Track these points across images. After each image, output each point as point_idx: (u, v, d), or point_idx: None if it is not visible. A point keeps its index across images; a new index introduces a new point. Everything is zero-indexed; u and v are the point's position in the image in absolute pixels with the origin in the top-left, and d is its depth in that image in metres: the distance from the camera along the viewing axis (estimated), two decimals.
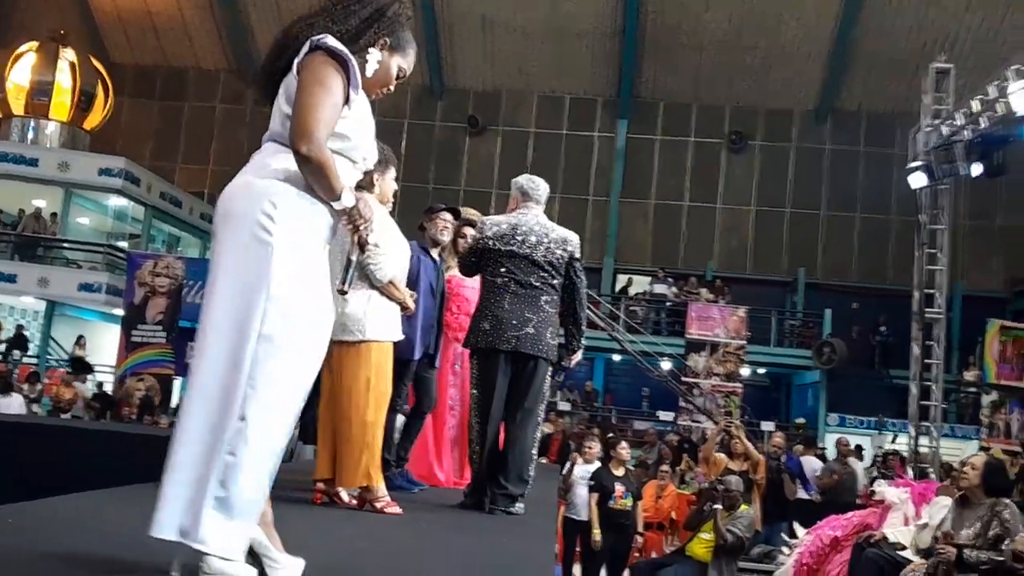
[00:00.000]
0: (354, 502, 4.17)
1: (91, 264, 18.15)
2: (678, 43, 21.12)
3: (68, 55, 17.65)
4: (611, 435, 10.17)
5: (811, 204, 21.82)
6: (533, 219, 4.66)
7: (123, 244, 19.42)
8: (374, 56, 2.49)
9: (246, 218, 2.22)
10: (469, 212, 5.79)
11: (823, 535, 5.56)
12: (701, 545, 7.02)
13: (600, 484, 8.22)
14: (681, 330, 17.38)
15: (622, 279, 21.79)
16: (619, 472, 8.36)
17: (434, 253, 5.32)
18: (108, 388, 15.65)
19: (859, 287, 20.80)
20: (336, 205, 2.31)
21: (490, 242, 4.59)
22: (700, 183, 22.16)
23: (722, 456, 8.41)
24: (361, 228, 2.41)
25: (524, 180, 4.80)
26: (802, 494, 9.61)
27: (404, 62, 2.61)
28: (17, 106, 17.69)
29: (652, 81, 21.96)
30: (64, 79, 17.82)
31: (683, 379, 16.44)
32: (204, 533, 2.12)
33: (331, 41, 2.34)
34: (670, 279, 19.93)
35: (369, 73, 2.48)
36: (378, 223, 4.22)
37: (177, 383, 16.33)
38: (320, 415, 4.33)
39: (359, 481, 4.11)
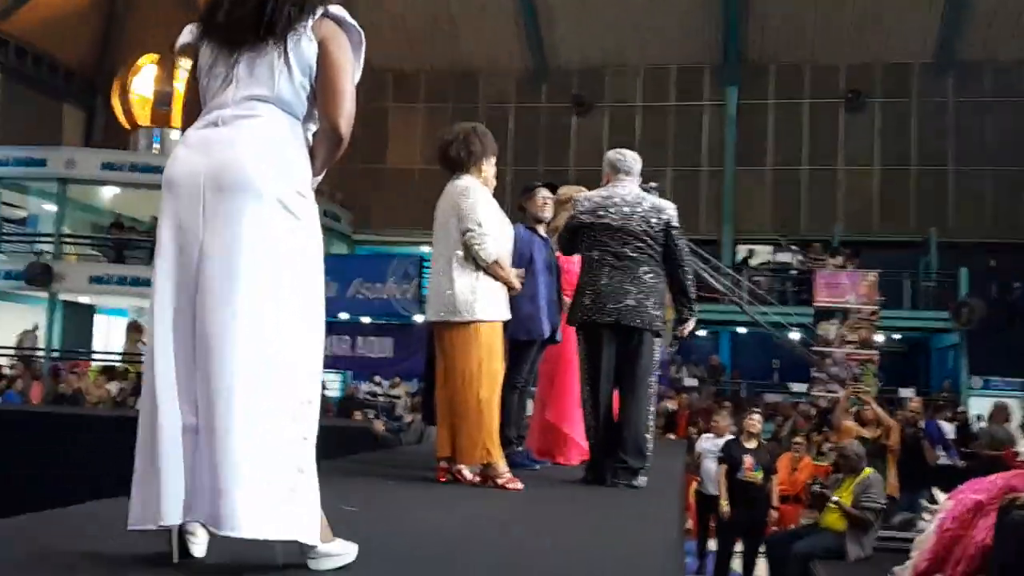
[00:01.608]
0: (477, 479, 4.22)
1: None
2: (783, 2, 20.42)
3: (185, 64, 18.29)
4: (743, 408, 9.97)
5: (938, 160, 20.79)
6: (625, 190, 4.63)
7: None
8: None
9: (278, 192, 2.12)
10: (570, 189, 5.76)
11: (966, 499, 5.30)
12: (835, 515, 6.81)
13: (729, 456, 8.10)
14: (808, 299, 16.85)
15: (742, 250, 21.29)
16: (751, 444, 8.21)
17: (540, 230, 5.33)
18: None
19: (996, 243, 19.71)
20: (316, 180, 2.28)
21: (583, 217, 4.59)
22: (818, 145, 21.41)
23: (852, 424, 8.16)
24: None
25: (612, 154, 4.80)
26: (944, 460, 9.22)
27: None
28: (143, 117, 18.52)
29: (760, 44, 21.31)
30: (183, 88, 18.54)
31: (814, 348, 15.96)
32: (294, 522, 2.04)
33: (339, 10, 2.29)
34: (793, 247, 19.37)
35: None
36: (483, 205, 4.29)
37: None
38: (437, 395, 4.40)
39: (478, 458, 4.17)
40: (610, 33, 21.50)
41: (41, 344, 17.56)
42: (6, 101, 21.16)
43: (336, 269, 16.86)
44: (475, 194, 4.28)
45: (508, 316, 4.37)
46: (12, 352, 16.56)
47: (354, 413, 11.70)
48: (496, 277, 4.22)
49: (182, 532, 2.09)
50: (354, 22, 2.30)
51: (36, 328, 17.59)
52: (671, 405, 13.20)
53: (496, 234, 4.28)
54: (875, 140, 21.26)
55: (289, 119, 2.22)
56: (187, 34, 2.33)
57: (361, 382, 16.59)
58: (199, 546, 2.09)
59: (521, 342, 5.14)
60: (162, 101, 18.32)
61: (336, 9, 2.28)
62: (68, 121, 23.03)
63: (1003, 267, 19.07)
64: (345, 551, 2.21)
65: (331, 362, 16.75)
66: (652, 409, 4.63)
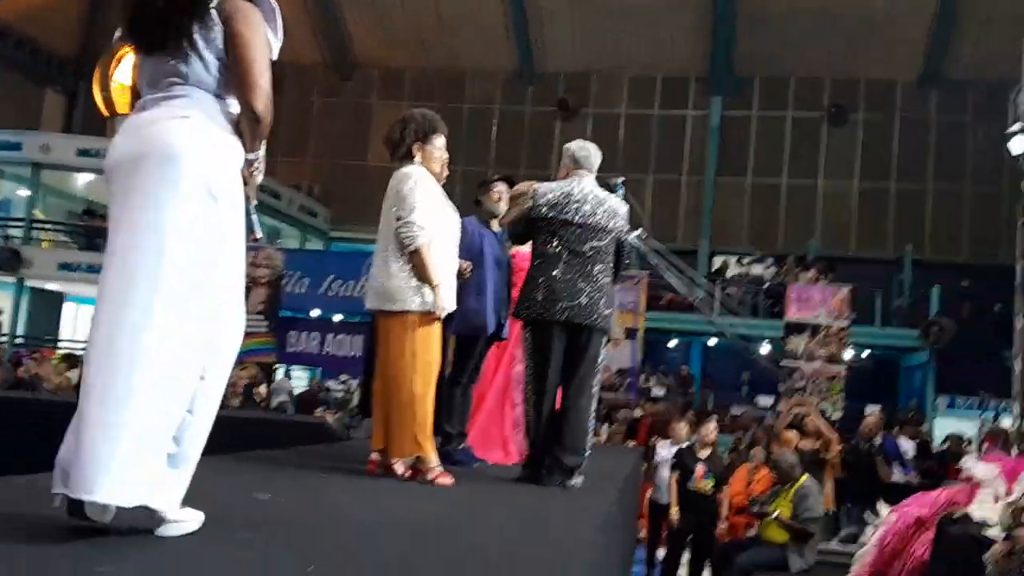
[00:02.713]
0: (407, 473, 4.15)
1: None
2: (771, 15, 20.47)
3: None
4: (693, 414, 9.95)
5: (917, 178, 20.90)
6: (587, 187, 4.57)
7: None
8: None
9: (198, 169, 2.15)
10: (525, 185, 5.69)
11: (907, 514, 5.29)
12: (775, 527, 6.79)
13: (681, 463, 8.06)
14: (780, 312, 16.88)
15: (718, 261, 21.34)
16: (704, 453, 8.17)
17: (494, 225, 5.27)
18: None
19: (970, 264, 19.83)
20: (251, 155, 2.31)
21: (543, 210, 4.51)
22: (799, 159, 21.50)
23: (792, 434, 8.16)
24: (257, 174, 2.38)
25: (575, 147, 4.71)
26: (898, 477, 9.21)
27: None
28: (121, 105, 18.35)
29: (747, 55, 21.37)
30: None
31: (783, 363, 15.97)
32: (158, 488, 2.08)
33: None
34: (768, 259, 19.39)
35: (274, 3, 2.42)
36: (421, 193, 4.21)
37: (280, 370, 16.80)
38: (374, 387, 4.34)
39: (409, 451, 4.10)
40: (599, 39, 21.56)
41: (6, 330, 17.40)
42: None
43: (310, 265, 16.77)
44: (413, 182, 4.19)
45: (452, 307, 4.28)
46: None
47: (315, 409, 11.60)
48: (414, 267, 4.10)
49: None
50: None
51: (1, 312, 17.42)
52: (636, 412, 13.17)
53: (435, 224, 4.20)
54: (856, 155, 21.35)
55: (209, 97, 2.26)
56: (118, 32, 2.42)
57: (328, 380, 16.48)
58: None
59: (466, 337, 5.08)
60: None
61: None
62: (49, 107, 22.87)
63: (977, 288, 19.15)
64: (191, 518, 2.23)
65: (300, 359, 16.66)
66: (594, 409, 4.58)
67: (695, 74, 21.88)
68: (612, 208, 4.57)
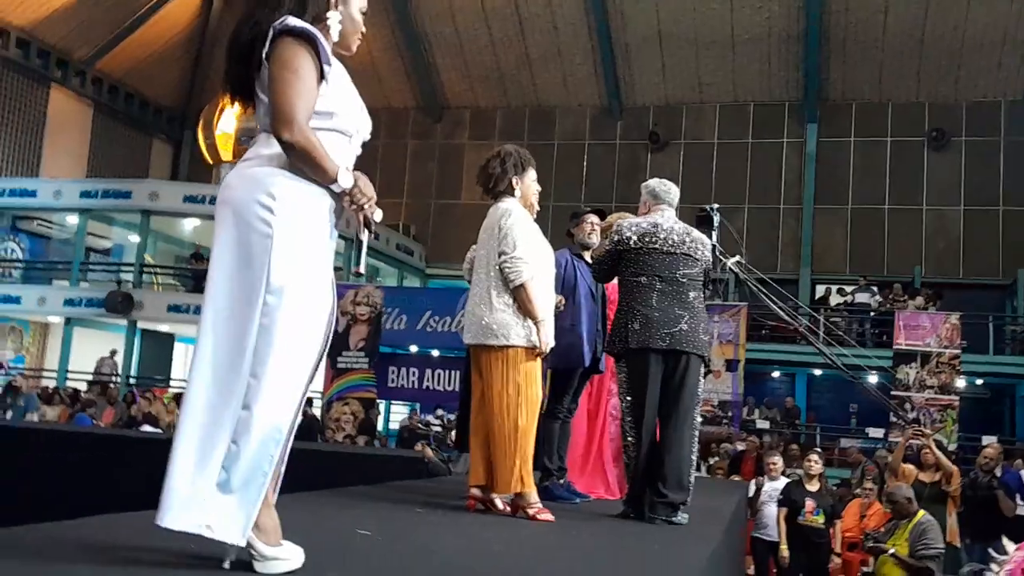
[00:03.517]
0: (507, 508, 4.11)
1: None
2: (864, 40, 20.06)
3: None
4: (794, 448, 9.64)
5: None
6: (671, 219, 4.57)
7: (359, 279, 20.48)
8: (334, 18, 2.42)
9: (245, 207, 2.23)
10: (618, 217, 5.65)
11: None
12: (891, 565, 6.49)
13: (789, 499, 7.81)
14: (888, 341, 16.33)
15: (821, 290, 20.81)
16: (812, 487, 7.90)
17: (587, 257, 5.24)
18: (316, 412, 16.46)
19: None
20: (334, 187, 2.29)
21: (631, 241, 4.47)
22: (901, 185, 20.86)
23: (911, 467, 7.81)
24: (365, 207, 2.34)
25: (655, 183, 4.71)
26: (1022, 510, 8.73)
27: (360, 0, 2.52)
28: (225, 153, 19.10)
29: (841, 81, 20.96)
30: None
31: (893, 393, 15.40)
32: (211, 520, 2.12)
33: (292, 21, 2.29)
34: (873, 287, 18.83)
35: (336, 36, 2.42)
36: (521, 228, 4.22)
37: (382, 405, 17.00)
38: (472, 421, 4.31)
39: (512, 487, 4.06)
40: (687, 71, 21.47)
41: (119, 370, 18.06)
42: (98, 136, 22.07)
43: (407, 302, 16.98)
44: (513, 217, 4.19)
45: (552, 343, 4.25)
46: (90, 377, 17.05)
47: (416, 444, 11.68)
48: (519, 303, 4.09)
49: None
50: (297, 24, 2.30)
51: (114, 354, 18.09)
52: (740, 446, 12.86)
53: (534, 259, 4.18)
54: (960, 179, 20.63)
55: (267, 138, 2.32)
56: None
57: (427, 415, 16.59)
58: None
59: (562, 371, 5.04)
60: (245, 137, 18.86)
61: (280, 22, 2.29)
62: (156, 155, 23.91)
63: None
64: (290, 556, 2.23)
65: (399, 394, 16.85)
66: (695, 441, 4.47)
67: (788, 102, 21.54)
68: (699, 238, 4.57)
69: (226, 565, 2.18)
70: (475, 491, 4.22)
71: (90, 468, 6.48)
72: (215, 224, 2.27)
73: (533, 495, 4.07)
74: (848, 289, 19.53)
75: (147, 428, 11.03)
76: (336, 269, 21.82)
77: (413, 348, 17.36)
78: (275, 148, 2.26)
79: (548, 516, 4.00)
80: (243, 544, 2.15)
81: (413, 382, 16.97)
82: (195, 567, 2.19)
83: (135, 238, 19.42)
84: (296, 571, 2.23)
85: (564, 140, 22.74)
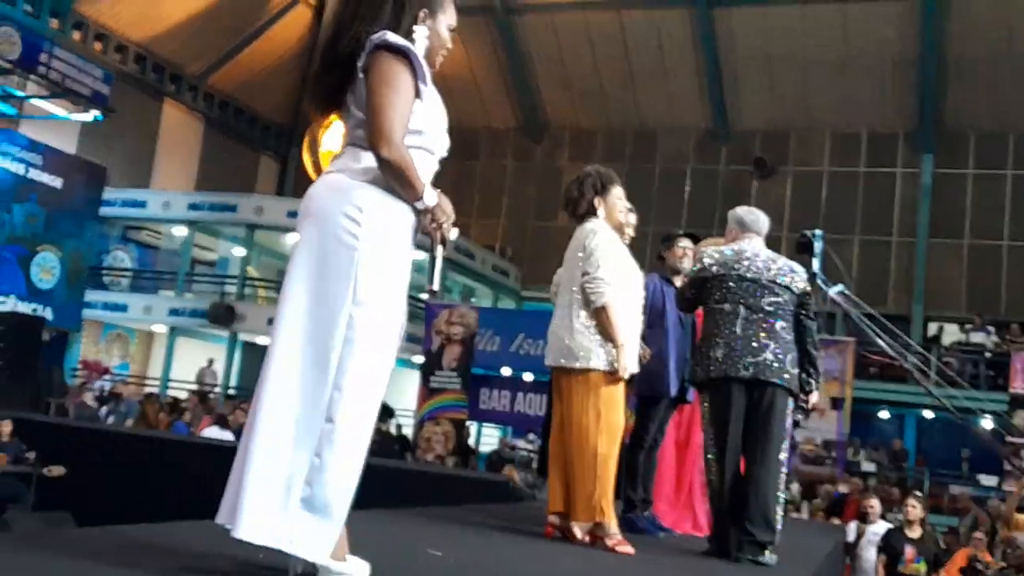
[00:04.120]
0: (586, 538, 3.95)
1: None
2: (984, 69, 19.21)
3: None
4: (894, 491, 9.16)
5: None
6: (757, 246, 4.37)
7: (423, 296, 20.58)
8: (421, 33, 2.40)
9: (331, 219, 2.23)
10: (712, 241, 5.44)
11: None
12: None
13: (889, 545, 7.40)
14: (1004, 384, 15.53)
15: (933, 328, 19.93)
16: (914, 534, 7.47)
17: (677, 282, 5.05)
18: (408, 431, 16.51)
19: None
20: (419, 204, 2.29)
21: (714, 268, 4.31)
22: (1021, 220, 19.86)
23: (1023, 517, 7.31)
24: (444, 225, 2.35)
25: (743, 211, 4.54)
26: None
27: (448, 16, 2.49)
28: None
29: (959, 111, 20.11)
30: None
31: (1008, 439, 14.61)
32: (294, 535, 2.11)
33: (391, 37, 2.29)
34: (989, 327, 17.94)
35: (423, 52, 2.38)
36: (604, 248, 4.07)
37: (473, 427, 16.94)
38: (551, 447, 4.19)
39: (590, 516, 3.92)
40: (796, 95, 20.97)
41: (220, 380, 18.48)
42: (208, 150, 22.79)
43: (501, 324, 16.86)
44: (599, 238, 4.11)
45: (636, 369, 4.10)
46: (193, 387, 17.48)
47: (503, 468, 11.54)
48: (601, 325, 3.96)
49: None
50: (396, 40, 2.29)
51: (212, 363, 18.52)
52: (842, 488, 12.34)
53: (618, 281, 4.05)
54: None
55: (360, 151, 2.31)
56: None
57: (518, 438, 16.46)
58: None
59: (647, 399, 4.87)
60: None
61: (379, 36, 2.30)
62: (263, 170, 24.56)
63: None
64: (355, 571, 2.24)
65: (490, 416, 16.75)
66: (783, 477, 4.22)
67: (903, 130, 20.80)
68: (788, 265, 4.34)
69: None
70: (553, 518, 4.10)
71: (177, 474, 6.59)
72: (299, 233, 2.28)
73: (613, 525, 3.92)
74: (964, 328, 18.67)
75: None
76: (433, 292, 22.15)
77: (506, 371, 17.26)
78: (363, 162, 2.29)
79: (628, 548, 3.84)
80: (326, 563, 2.16)
81: (504, 405, 16.83)
82: None
83: (240, 251, 19.92)
84: None
85: (666, 163, 22.44)
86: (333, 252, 2.20)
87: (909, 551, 7.31)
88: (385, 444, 14.26)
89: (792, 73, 20.60)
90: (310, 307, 2.19)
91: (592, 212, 4.21)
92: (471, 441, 18.03)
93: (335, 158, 2.38)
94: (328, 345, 2.16)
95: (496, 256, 22.27)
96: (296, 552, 2.12)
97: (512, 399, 17.10)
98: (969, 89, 19.74)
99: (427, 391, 15.82)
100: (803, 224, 17.59)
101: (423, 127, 2.35)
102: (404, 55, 2.28)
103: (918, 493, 8.45)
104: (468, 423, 16.64)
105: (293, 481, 2.12)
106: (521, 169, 23.81)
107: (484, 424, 18.47)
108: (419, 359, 17.16)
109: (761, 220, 4.49)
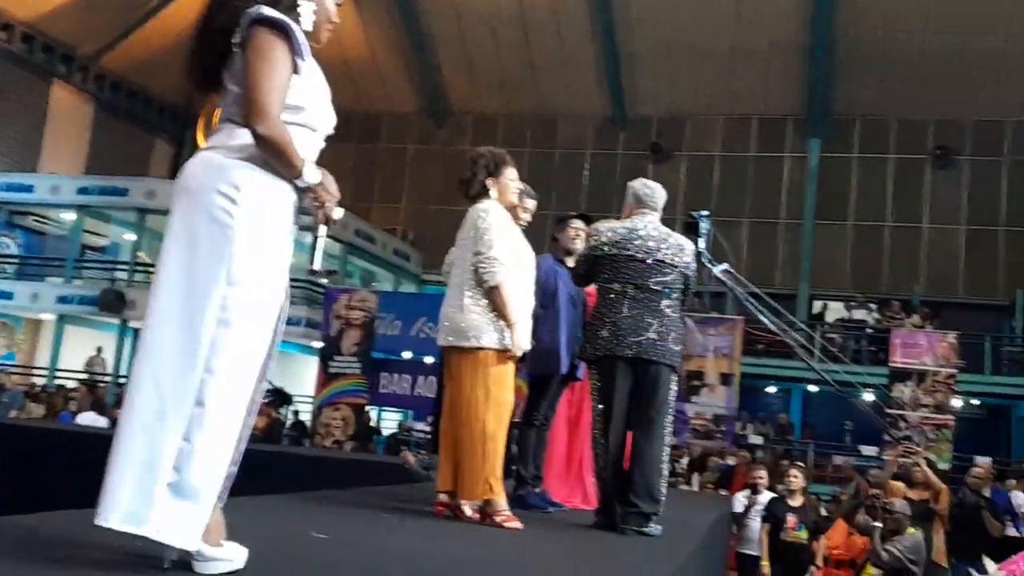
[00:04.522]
0: (476, 515, 4.03)
1: (292, 299, 19.04)
2: (871, 56, 19.99)
3: None
4: (783, 462, 9.55)
5: None
6: (649, 224, 4.48)
7: (323, 280, 20.35)
8: (307, 8, 2.37)
9: (205, 196, 2.16)
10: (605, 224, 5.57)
11: (1018, 570, 4.91)
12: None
13: (772, 514, 7.72)
14: (884, 358, 16.22)
15: (819, 306, 20.72)
16: (795, 503, 7.81)
17: (570, 262, 5.17)
18: (306, 417, 16.37)
19: None
20: (299, 182, 2.25)
21: (605, 247, 4.43)
22: (903, 202, 20.78)
23: (900, 484, 7.74)
24: (327, 204, 2.31)
25: (638, 185, 4.64)
26: (1012, 531, 8.62)
27: None
28: None
29: (846, 97, 20.90)
30: None
31: (888, 411, 15.28)
32: (158, 520, 2.04)
33: (267, 11, 2.24)
34: (871, 304, 18.72)
35: (309, 27, 2.36)
36: (496, 228, 4.14)
37: (374, 412, 16.88)
38: (442, 426, 4.23)
39: (479, 493, 3.98)
40: (691, 83, 21.42)
41: (109, 369, 17.98)
42: (99, 133, 22.04)
43: (403, 307, 16.83)
44: (491, 218, 4.15)
45: (527, 346, 4.18)
46: (82, 375, 16.98)
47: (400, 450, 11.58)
48: (494, 305, 4.02)
49: None
50: (272, 14, 2.25)
51: (100, 352, 18.01)
52: (731, 461, 12.76)
53: (510, 261, 4.12)
54: (963, 198, 20.54)
55: (236, 128, 2.25)
56: None
57: (418, 422, 16.49)
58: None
59: (539, 377, 4.97)
60: None
61: (255, 11, 2.25)
62: (157, 154, 23.89)
63: None
64: (233, 556, 2.18)
65: (391, 400, 16.73)
66: (667, 451, 4.39)
67: (792, 116, 21.49)
68: (678, 243, 4.47)
69: (166, 565, 2.12)
70: (442, 497, 4.15)
71: (58, 464, 6.44)
72: (171, 211, 2.20)
73: (502, 502, 3.99)
74: (848, 305, 19.43)
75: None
76: (331, 273, 21.64)
77: (407, 354, 17.24)
78: (241, 139, 2.21)
79: (516, 524, 3.92)
80: (195, 549, 2.09)
81: (405, 388, 16.82)
82: (133, 565, 2.13)
83: (131, 236, 19.38)
84: (238, 571, 2.17)
85: (566, 148, 22.70)
86: (206, 231, 2.13)
87: (791, 519, 7.62)
88: (273, 430, 14.13)
89: (688, 60, 21.03)
90: (182, 287, 2.11)
91: (484, 193, 4.25)
92: (374, 425, 17.98)
93: (211, 134, 2.32)
94: (200, 326, 2.09)
95: (397, 240, 22.18)
96: (163, 539, 2.05)
97: (413, 383, 17.10)
98: (855, 76, 20.49)
99: (326, 376, 15.70)
100: (698, 207, 17.97)
101: (303, 103, 2.30)
102: (281, 29, 2.23)
103: (800, 463, 8.81)
104: (368, 408, 16.60)
105: (161, 466, 2.05)
106: (423, 153, 23.72)
107: (386, 409, 18.41)
108: (318, 344, 17.02)
109: (657, 194, 4.59)
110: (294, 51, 2.25)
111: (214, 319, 2.11)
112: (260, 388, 2.26)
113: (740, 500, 8.69)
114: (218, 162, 2.20)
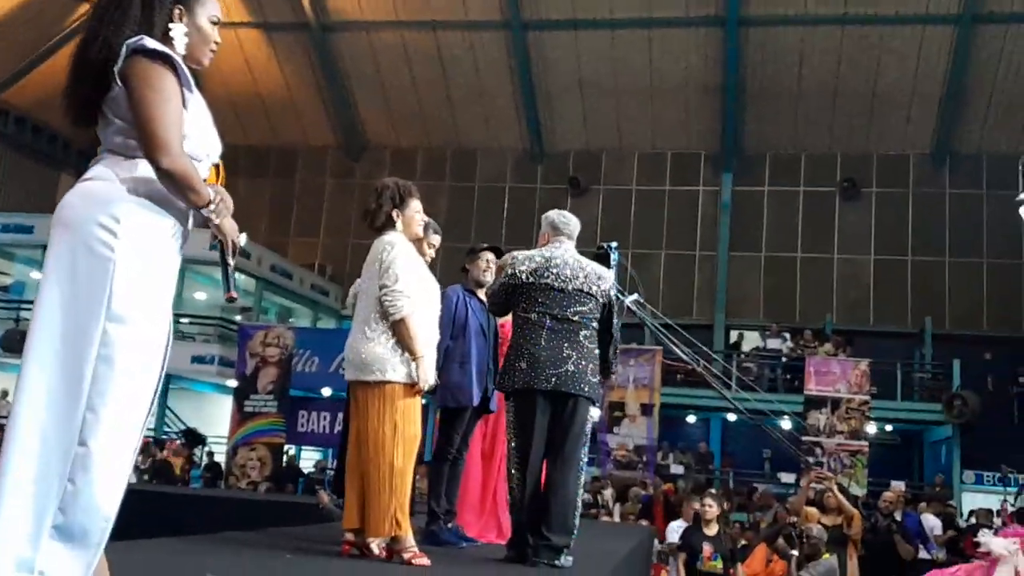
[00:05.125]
0: (383, 553, 3.92)
1: (204, 337, 18.66)
2: (779, 93, 20.60)
3: None
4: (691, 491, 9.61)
5: (934, 251, 20.62)
6: (567, 253, 4.45)
7: (236, 317, 19.95)
8: (178, 31, 2.32)
9: (83, 228, 2.11)
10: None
11: None
12: None
13: (687, 544, 7.73)
14: (799, 386, 16.54)
15: (734, 335, 21.06)
16: (710, 532, 7.83)
17: (480, 294, 5.13)
18: (221, 458, 15.92)
19: (992, 336, 19.45)
20: (205, 212, 2.22)
21: (522, 276, 4.38)
22: (813, 234, 21.32)
23: (813, 510, 7.85)
24: (228, 233, 2.30)
25: (555, 215, 4.64)
26: (924, 554, 8.80)
27: (209, 9, 2.41)
28: None
29: (756, 133, 21.43)
30: None
31: (804, 438, 15.54)
32: (43, 564, 1.98)
33: (149, 42, 2.20)
34: (785, 334, 19.10)
35: (183, 50, 2.31)
36: (402, 261, 4.08)
37: (292, 450, 16.48)
38: (348, 462, 4.12)
39: (387, 530, 3.88)
40: (607, 118, 21.75)
41: None
42: (3, 170, 21.35)
43: (321, 344, 16.58)
44: (396, 250, 4.08)
45: (433, 380, 4.11)
46: None
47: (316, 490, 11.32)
48: (399, 338, 3.95)
49: None
50: (154, 45, 2.20)
51: (6, 395, 17.28)
52: (649, 491, 12.81)
53: (416, 293, 4.05)
54: (871, 229, 21.18)
55: (118, 159, 2.22)
56: None
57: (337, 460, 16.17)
58: None
59: (451, 410, 4.90)
60: None
61: (135, 41, 2.19)
62: (63, 190, 23.01)
63: (1001, 360, 18.76)
64: None
65: (309, 439, 16.39)
66: (582, 482, 4.35)
67: (705, 151, 21.94)
68: (595, 272, 4.44)
69: None
70: (349, 535, 4.04)
71: None
72: (49, 246, 2.15)
73: (409, 539, 3.90)
74: (763, 334, 19.77)
75: None
76: (245, 309, 21.09)
77: (326, 391, 16.95)
78: (123, 170, 2.17)
79: (424, 561, 3.83)
80: None
81: (324, 427, 16.52)
82: None
83: (37, 275, 18.69)
84: None
85: (485, 182, 22.76)
86: (85, 264, 2.08)
87: (707, 548, 7.64)
88: (162, 471, 13.72)
89: (603, 96, 21.35)
90: (61, 323, 2.05)
91: (390, 224, 4.18)
92: (295, 465, 17.59)
93: (91, 165, 2.25)
94: (80, 364, 2.03)
95: (315, 275, 21.90)
96: None
97: (332, 420, 16.78)
98: (766, 113, 21.04)
99: (241, 416, 15.31)
100: (615, 240, 18.21)
101: (188, 131, 2.25)
102: (165, 60, 2.19)
103: (712, 491, 8.86)
104: (287, 447, 16.23)
105: (44, 509, 1.99)
106: (340, 187, 23.51)
107: (306, 448, 18.03)
108: (232, 383, 16.62)
109: (572, 223, 4.59)
110: (181, 83, 2.22)
111: (94, 355, 2.04)
112: (144, 426, 2.18)
113: (674, 530, 8.67)
114: (98, 193, 2.14)
